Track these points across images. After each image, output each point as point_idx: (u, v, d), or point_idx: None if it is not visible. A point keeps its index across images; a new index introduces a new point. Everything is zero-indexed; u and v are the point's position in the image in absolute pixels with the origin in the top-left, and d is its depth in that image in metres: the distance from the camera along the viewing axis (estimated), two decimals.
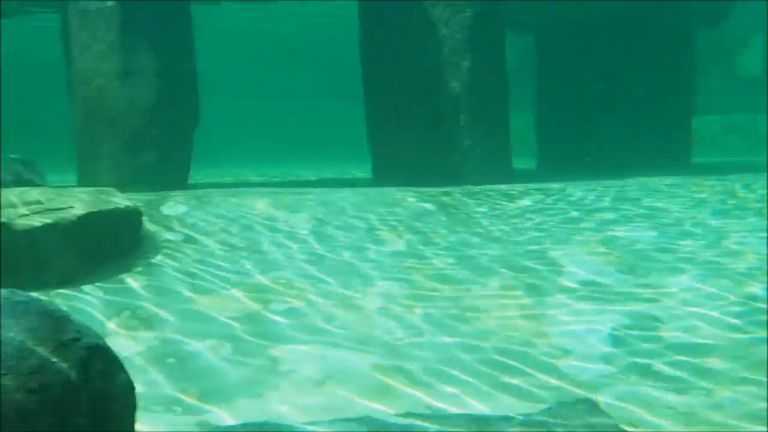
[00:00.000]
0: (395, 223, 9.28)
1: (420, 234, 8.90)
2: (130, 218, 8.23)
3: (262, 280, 7.40)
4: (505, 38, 13.54)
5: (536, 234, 8.93)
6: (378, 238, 8.74)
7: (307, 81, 45.82)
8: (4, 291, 3.73)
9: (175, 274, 7.52)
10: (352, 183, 13.61)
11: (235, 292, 7.04)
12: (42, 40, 26.24)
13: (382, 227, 9.11)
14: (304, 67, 42.88)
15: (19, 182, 9.56)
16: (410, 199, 10.24)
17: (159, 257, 7.92)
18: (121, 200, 8.53)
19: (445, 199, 10.41)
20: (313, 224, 9.12)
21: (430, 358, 5.61)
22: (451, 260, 8.02)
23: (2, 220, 6.98)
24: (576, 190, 11.14)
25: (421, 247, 8.48)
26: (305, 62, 41.58)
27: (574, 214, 9.80)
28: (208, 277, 7.48)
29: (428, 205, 10.00)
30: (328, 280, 7.43)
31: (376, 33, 13.26)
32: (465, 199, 10.54)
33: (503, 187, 11.60)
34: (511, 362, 5.52)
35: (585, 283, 7.22)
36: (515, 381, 5.21)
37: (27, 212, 7.39)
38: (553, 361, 5.54)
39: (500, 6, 13.11)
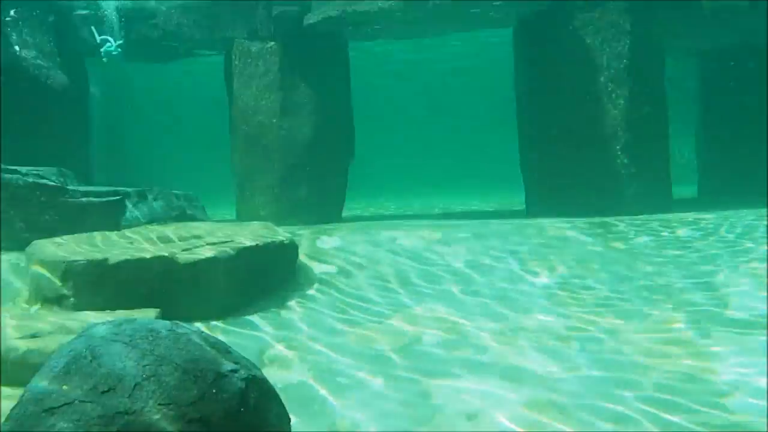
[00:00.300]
0: (550, 254, 9.03)
1: (576, 266, 8.60)
2: (287, 251, 8.45)
3: (415, 312, 7.38)
4: (664, 65, 12.97)
5: (698, 265, 8.41)
6: (532, 270, 8.53)
7: (457, 114, 46.02)
8: (167, 323, 3.88)
9: (329, 306, 7.63)
10: (505, 215, 13.41)
11: (388, 325, 7.05)
12: (203, 82, 27.88)
13: (536, 259, 8.88)
14: (454, 99, 43.05)
15: (182, 217, 10.07)
16: (566, 231, 9.95)
17: (314, 289, 8.07)
18: (278, 234, 8.79)
19: (601, 230, 10.03)
20: (466, 256, 9.02)
21: (587, 393, 5.35)
22: (608, 292, 7.70)
23: (165, 253, 7.34)
24: (742, 219, 10.44)
25: (576, 279, 8.20)
26: (455, 95, 41.71)
27: (740, 243, 9.17)
28: (362, 309, 7.54)
29: (584, 237, 9.67)
30: (481, 312, 7.31)
31: (530, 63, 13.06)
32: (623, 228, 10.12)
33: (663, 216, 11.06)
34: (673, 398, 5.18)
35: (753, 316, 6.71)
36: (677, 419, 4.87)
37: (189, 246, 7.73)
38: (719, 399, 5.15)
39: (658, 34, 12.59)
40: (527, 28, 13.13)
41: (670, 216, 11.12)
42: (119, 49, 12.96)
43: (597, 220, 10.66)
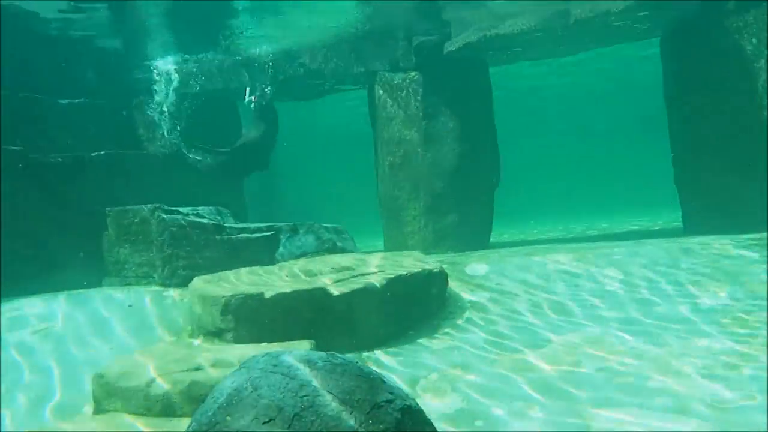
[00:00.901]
0: (712, 274, 8.49)
1: (741, 285, 8.03)
2: (437, 280, 8.40)
3: (571, 338, 7.11)
4: None
5: None
6: (693, 291, 8.04)
7: (600, 133, 44.87)
8: (323, 354, 3.91)
9: (481, 334, 7.50)
10: (659, 233, 12.79)
11: (543, 351, 6.82)
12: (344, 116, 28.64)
13: (697, 279, 8.38)
14: (597, 118, 42.01)
15: (332, 250, 10.24)
16: (729, 248, 9.34)
17: (464, 318, 7.96)
18: (427, 262, 8.76)
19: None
20: (621, 279, 8.64)
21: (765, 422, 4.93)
22: None
23: (319, 286, 7.47)
24: None
25: (743, 299, 7.65)
26: (599, 113, 40.67)
27: None
28: (514, 337, 7.35)
29: (750, 253, 9.03)
30: (640, 337, 6.95)
31: (681, 73, 12.44)
32: None
33: None
34: None
35: None
36: None
37: (341, 278, 7.84)
38: None
39: None
40: (675, 36, 12.55)
41: None
42: (268, 93, 13.53)
43: (764, 236, 9.92)
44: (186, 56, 13.98)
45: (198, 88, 13.91)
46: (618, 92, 34.10)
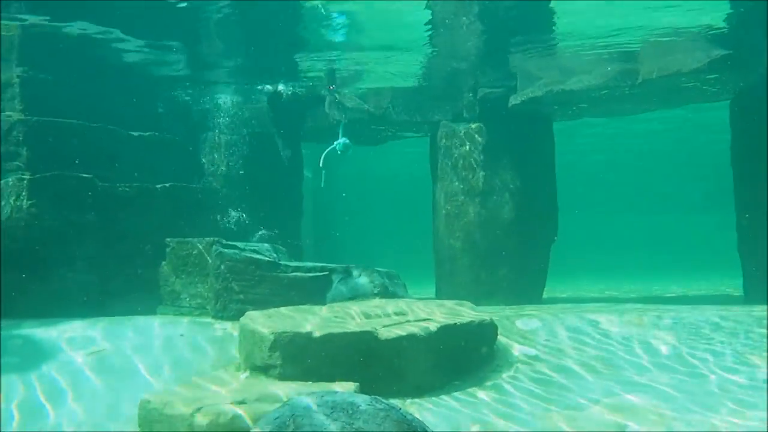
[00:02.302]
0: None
1: None
2: (486, 332, 8.32)
3: (619, 401, 6.95)
4: None
5: None
6: (750, 361, 7.80)
7: (659, 192, 44.25)
8: (367, 397, 3.91)
9: (528, 389, 7.38)
10: (716, 300, 12.46)
11: (590, 412, 6.68)
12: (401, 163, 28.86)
13: (755, 350, 8.12)
14: (657, 178, 41.48)
15: (384, 294, 10.24)
16: None
17: (511, 372, 7.86)
18: (477, 314, 8.70)
19: None
20: (674, 344, 8.44)
21: None
22: None
23: (367, 329, 7.47)
24: None
25: None
26: (659, 174, 40.16)
27: None
28: (562, 394, 7.22)
29: None
30: (692, 405, 6.75)
31: (750, 138, 12.20)
32: None
33: None
34: None
35: None
36: None
37: (390, 323, 7.83)
38: None
39: None
40: (745, 101, 12.36)
41: None
42: (351, 145, 13.82)
43: None
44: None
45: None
46: (686, 154, 33.69)
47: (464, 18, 11.34)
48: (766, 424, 6.24)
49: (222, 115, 13.83)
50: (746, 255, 12.34)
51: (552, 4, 11.15)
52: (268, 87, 14.46)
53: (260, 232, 12.77)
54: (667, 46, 11.93)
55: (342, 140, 13.60)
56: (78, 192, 10.52)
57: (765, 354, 7.99)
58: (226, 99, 14.04)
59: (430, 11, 11.03)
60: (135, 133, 12.03)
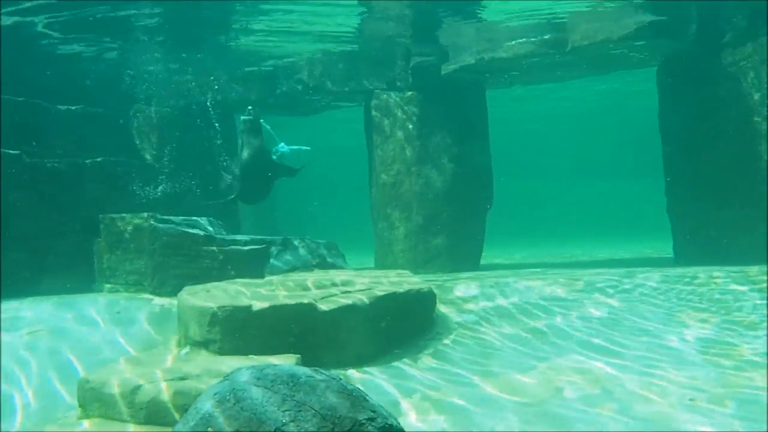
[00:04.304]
0: (700, 305, 8.56)
1: (730, 318, 8.10)
2: (424, 300, 8.44)
3: (554, 364, 7.15)
4: None
5: None
6: (681, 321, 8.10)
7: (588, 159, 45.17)
8: (307, 369, 3.95)
9: (466, 356, 7.53)
10: (648, 262, 12.87)
11: (525, 378, 6.86)
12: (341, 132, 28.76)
13: (685, 310, 8.44)
14: (587, 145, 42.30)
15: (323, 265, 10.28)
16: (718, 280, 9.41)
17: (450, 339, 8.00)
18: (416, 282, 8.81)
19: (761, 277, 9.38)
20: (608, 307, 8.70)
21: None
22: (765, 348, 7.17)
23: (306, 301, 7.50)
24: None
25: (730, 332, 7.71)
26: (589, 140, 40.95)
27: None
28: (499, 361, 7.39)
29: (740, 287, 9.10)
30: (624, 367, 6.99)
31: (676, 104, 12.57)
32: None
33: None
34: None
35: None
36: None
37: (329, 294, 7.88)
38: None
39: None
40: (672, 67, 12.69)
41: None
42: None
43: (755, 269, 9.98)
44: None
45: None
46: (608, 118, 34.37)
47: None
48: (689, 378, 6.51)
49: (152, 86, 13.55)
50: (675, 218, 12.76)
51: None
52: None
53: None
54: (596, 14, 12.15)
55: (281, 146, 13.56)
56: (5, 168, 10.22)
57: (696, 313, 8.29)
58: (156, 69, 13.74)
59: None
60: (63, 107, 11.72)
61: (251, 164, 12.18)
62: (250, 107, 12.55)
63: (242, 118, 12.48)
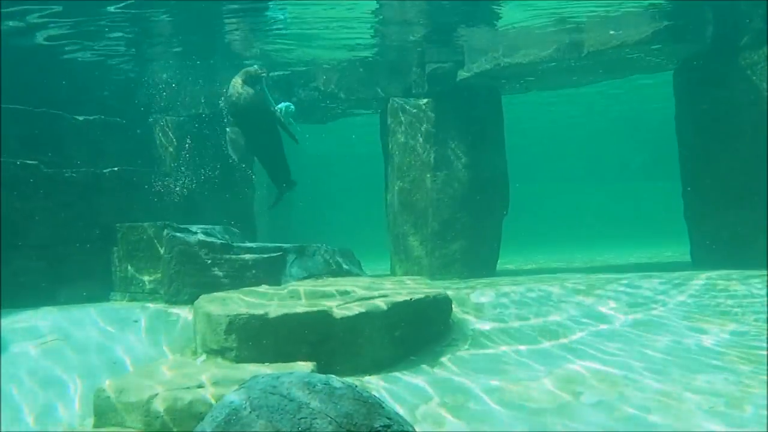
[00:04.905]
0: (719, 310, 8.47)
1: (746, 322, 8.01)
2: (441, 306, 8.42)
3: (573, 369, 7.11)
4: None
5: None
6: (699, 327, 8.03)
7: (609, 163, 44.96)
8: (323, 377, 3.94)
9: (484, 362, 7.50)
10: (666, 267, 12.75)
11: (545, 382, 6.82)
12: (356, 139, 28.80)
13: (703, 315, 8.36)
14: (607, 149, 42.09)
15: (339, 272, 10.27)
16: (735, 284, 9.32)
17: (467, 345, 7.97)
18: (432, 288, 8.78)
19: None
20: (626, 313, 8.64)
21: None
22: None
23: (322, 308, 7.49)
24: None
25: (749, 336, 7.62)
26: (610, 144, 40.75)
27: None
28: (517, 365, 7.35)
29: (757, 290, 9.00)
30: (643, 371, 6.93)
31: (694, 108, 12.48)
32: None
33: None
34: None
35: None
36: None
37: (345, 301, 7.87)
38: None
39: None
40: (688, 70, 12.61)
41: None
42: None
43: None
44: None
45: None
46: (629, 123, 34.21)
47: None
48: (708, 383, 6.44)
49: (168, 95, 13.62)
50: (692, 222, 12.65)
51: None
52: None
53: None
54: (612, 19, 12.10)
55: (284, 104, 13.34)
56: (23, 178, 10.29)
57: (714, 318, 8.21)
58: (172, 78, 13.82)
59: None
60: (81, 118, 11.81)
61: (244, 109, 12.03)
62: (255, 64, 12.52)
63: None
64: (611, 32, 11.74)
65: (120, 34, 12.42)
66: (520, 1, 12.21)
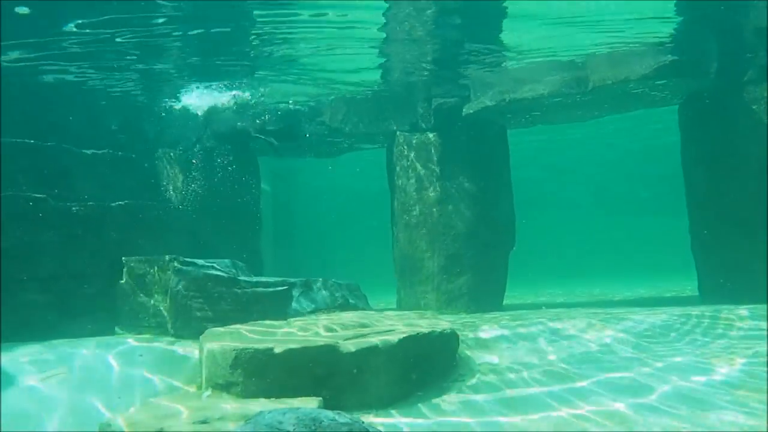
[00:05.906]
0: (727, 345, 8.41)
1: (757, 356, 7.95)
2: (448, 341, 8.37)
3: (582, 406, 7.04)
4: None
5: None
6: (707, 364, 7.96)
7: (617, 196, 44.98)
8: (330, 413, 3.92)
9: (489, 399, 7.43)
10: (675, 301, 12.71)
11: (553, 418, 6.75)
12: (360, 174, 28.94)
13: (712, 350, 8.30)
14: (615, 182, 42.16)
15: (345, 306, 10.26)
16: (744, 318, 9.26)
17: (475, 380, 7.91)
18: (439, 323, 8.75)
19: None
20: (634, 347, 8.59)
21: None
22: None
23: (329, 342, 7.46)
24: None
25: (759, 372, 7.55)
26: (617, 177, 40.83)
27: None
28: (525, 401, 7.28)
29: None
30: (653, 407, 6.86)
31: (699, 141, 12.51)
32: None
33: None
34: None
35: None
36: None
37: (351, 335, 7.83)
38: None
39: None
40: (693, 105, 12.67)
41: None
42: None
43: None
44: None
45: None
46: (637, 157, 34.29)
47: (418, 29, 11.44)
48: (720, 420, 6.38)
49: (177, 129, 13.73)
50: (699, 256, 12.62)
51: (502, 35, 11.54)
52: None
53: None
54: (617, 54, 12.20)
55: None
56: (31, 212, 10.34)
57: (723, 353, 8.15)
58: (178, 115, 13.94)
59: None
60: (88, 152, 11.90)
61: None
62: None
63: None
64: (616, 68, 11.83)
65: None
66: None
